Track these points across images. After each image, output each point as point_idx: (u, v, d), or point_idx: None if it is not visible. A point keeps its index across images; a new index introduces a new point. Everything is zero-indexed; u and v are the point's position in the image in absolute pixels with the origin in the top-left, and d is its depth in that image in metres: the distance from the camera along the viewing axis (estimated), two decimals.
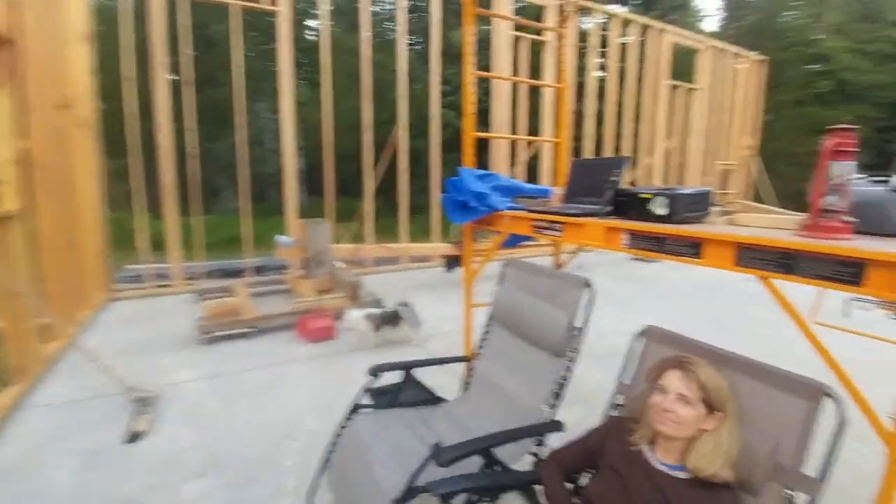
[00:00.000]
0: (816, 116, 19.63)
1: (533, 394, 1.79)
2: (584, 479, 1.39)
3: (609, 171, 1.80)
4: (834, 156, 1.14)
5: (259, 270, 5.88)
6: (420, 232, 6.58)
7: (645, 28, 7.91)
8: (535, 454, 1.70)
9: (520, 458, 1.66)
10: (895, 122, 19.61)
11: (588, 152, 7.75)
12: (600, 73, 8.59)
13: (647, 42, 7.99)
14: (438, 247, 5.75)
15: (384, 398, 2.04)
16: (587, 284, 1.74)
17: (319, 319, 3.73)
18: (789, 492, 1.05)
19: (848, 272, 1.02)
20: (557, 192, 2.23)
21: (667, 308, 5.01)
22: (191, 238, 5.27)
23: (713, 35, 13.76)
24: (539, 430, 1.60)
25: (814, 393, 1.07)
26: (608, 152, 8.07)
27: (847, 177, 1.13)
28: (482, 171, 2.21)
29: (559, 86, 2.56)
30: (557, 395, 1.71)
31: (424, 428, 1.82)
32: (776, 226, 1.40)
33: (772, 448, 1.07)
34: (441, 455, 1.34)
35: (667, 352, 1.39)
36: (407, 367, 2.00)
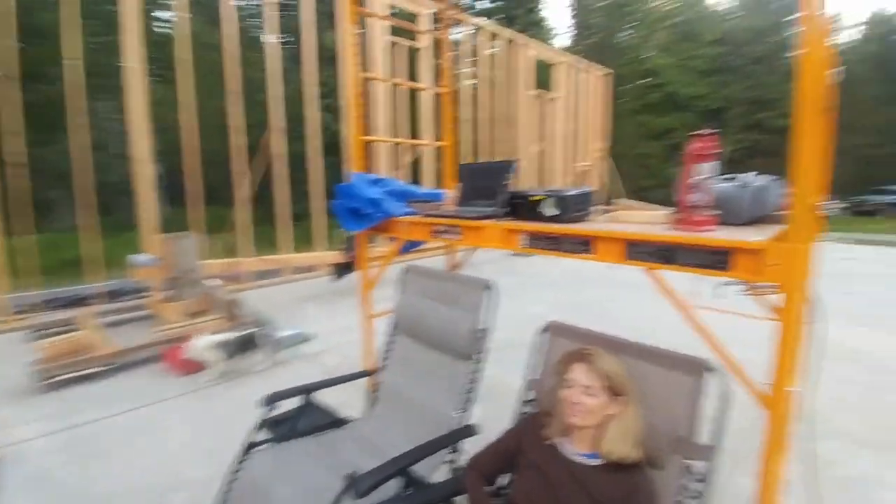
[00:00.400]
0: (651, 124, 23.25)
1: (444, 401, 1.75)
2: (504, 479, 1.40)
3: (500, 175, 1.85)
4: (698, 158, 1.30)
5: (112, 296, 5.01)
6: (301, 241, 6.20)
7: (510, 41, 8.48)
8: (450, 461, 1.67)
9: (437, 469, 1.61)
10: (714, 127, 24.15)
11: (466, 156, 8.05)
12: (472, 81, 9.02)
13: (511, 54, 8.57)
14: (324, 255, 5.47)
15: (281, 429, 1.84)
16: (488, 286, 1.76)
17: None
18: (688, 461, 1.15)
19: (718, 260, 1.16)
20: (449, 195, 2.24)
21: (547, 299, 5.40)
22: (17, 263, 4.29)
23: (566, 50, 15.31)
24: (453, 439, 1.56)
25: (697, 369, 1.20)
26: (484, 156, 8.48)
27: (710, 176, 1.29)
28: (374, 176, 2.13)
29: (443, 90, 2.58)
30: (468, 400, 1.70)
31: (331, 456, 1.68)
32: (651, 221, 1.55)
33: (670, 423, 1.18)
34: (358, 486, 1.24)
35: (568, 344, 1.45)
36: (305, 391, 1.83)
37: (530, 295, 5.49)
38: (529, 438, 1.28)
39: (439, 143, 2.72)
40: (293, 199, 5.85)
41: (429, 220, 1.88)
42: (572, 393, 1.18)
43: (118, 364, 3.26)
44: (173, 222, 5.66)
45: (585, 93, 10.55)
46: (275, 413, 1.76)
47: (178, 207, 6.65)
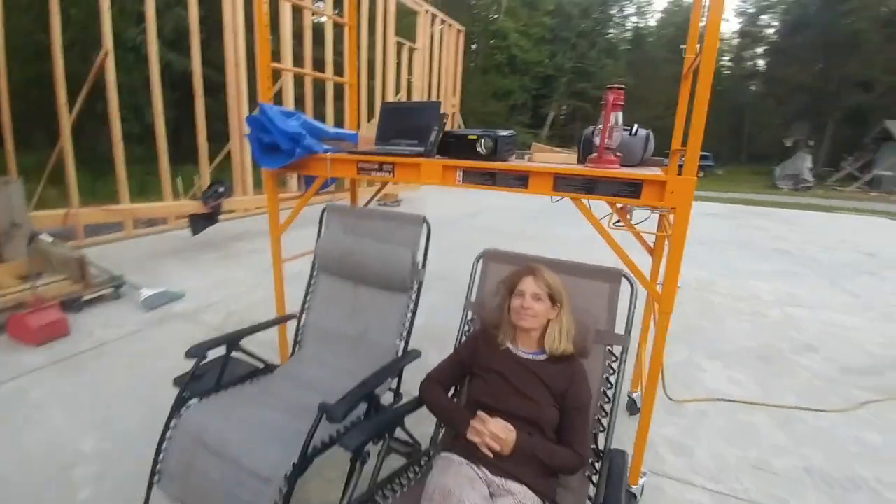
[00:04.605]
0: (497, 83, 24.76)
1: (384, 331, 1.84)
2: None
3: (426, 115, 1.91)
4: (613, 108, 1.55)
5: None
6: (135, 191, 5.27)
7: None
8: (392, 389, 1.78)
9: (385, 393, 1.71)
10: (545, 92, 26.86)
11: (310, 99, 7.50)
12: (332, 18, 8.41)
13: None
14: (182, 205, 4.78)
15: (204, 383, 1.72)
16: (424, 221, 1.86)
17: (42, 313, 2.72)
18: (608, 348, 1.47)
19: (632, 189, 1.44)
20: (365, 135, 2.21)
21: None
22: None
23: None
24: (403, 363, 1.67)
25: (614, 276, 1.50)
26: (343, 100, 8.10)
27: (619, 124, 1.56)
28: (285, 109, 1.98)
29: (348, 23, 2.45)
30: (407, 328, 1.81)
31: (274, 398, 1.66)
32: (565, 161, 1.80)
33: (594, 321, 1.47)
34: (333, 411, 1.27)
35: (502, 267, 1.65)
36: (231, 340, 1.72)
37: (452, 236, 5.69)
38: (483, 349, 1.46)
39: (343, 80, 2.60)
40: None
41: (357, 156, 1.85)
42: (524, 300, 1.39)
43: None
44: None
45: (442, 47, 10.69)
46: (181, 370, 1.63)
47: None
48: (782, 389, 2.70)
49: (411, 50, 9.50)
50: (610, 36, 30.18)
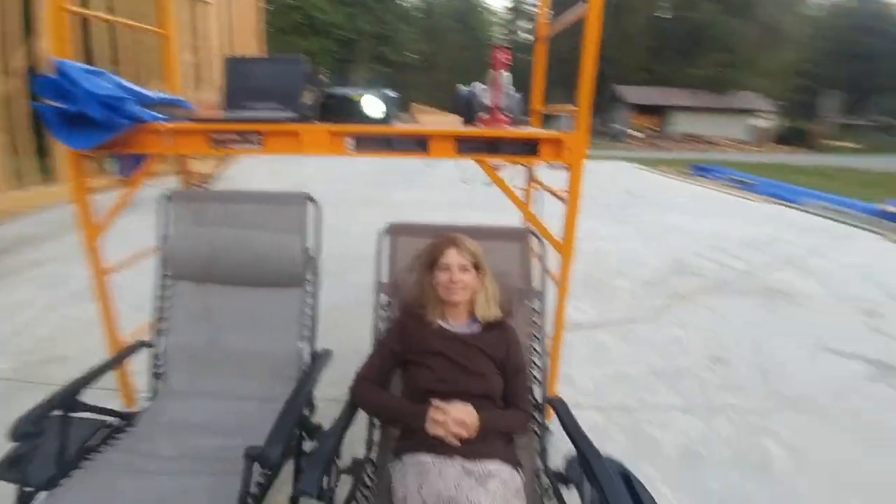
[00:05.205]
0: (297, 45, 22.98)
1: (280, 336, 1.56)
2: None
3: (287, 73, 1.63)
4: (501, 66, 1.54)
5: None
6: None
7: None
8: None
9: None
10: (348, 56, 26.08)
11: (98, 61, 5.94)
12: None
13: None
14: None
15: (39, 465, 1.19)
16: (308, 199, 1.60)
17: None
18: (528, 303, 1.52)
19: (530, 148, 1.48)
20: (200, 99, 1.79)
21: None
22: None
23: None
24: (318, 369, 1.45)
25: (522, 235, 1.55)
26: (126, 64, 6.49)
27: (509, 83, 1.57)
28: (88, 66, 1.42)
29: None
30: (310, 327, 1.57)
31: (155, 459, 1.26)
32: (453, 122, 1.75)
33: (512, 280, 1.50)
34: (266, 456, 1.03)
35: (412, 240, 1.54)
36: (66, 397, 1.23)
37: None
38: (414, 332, 1.35)
39: (159, 31, 2.00)
40: None
41: (210, 126, 1.46)
42: (452, 274, 1.32)
43: None
44: None
45: (239, 4, 9.34)
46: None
47: None
48: (612, 310, 3.27)
49: (204, 5, 8.03)
50: (404, 3, 30.71)
